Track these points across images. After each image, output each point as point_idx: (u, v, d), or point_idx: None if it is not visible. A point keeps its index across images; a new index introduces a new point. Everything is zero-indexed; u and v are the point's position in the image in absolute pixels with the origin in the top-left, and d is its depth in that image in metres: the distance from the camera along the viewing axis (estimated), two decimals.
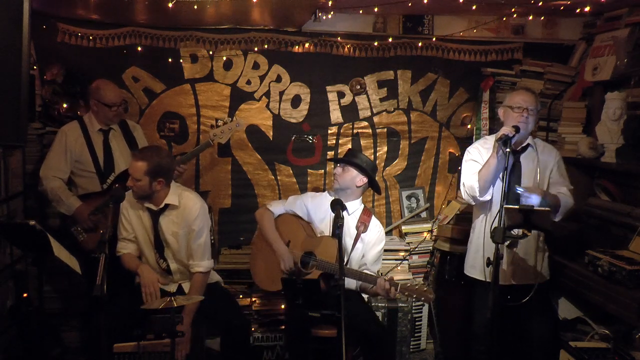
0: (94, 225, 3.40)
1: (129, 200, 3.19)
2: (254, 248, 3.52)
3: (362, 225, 3.34)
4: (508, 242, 3.02)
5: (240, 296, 3.86)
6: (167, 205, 3.13)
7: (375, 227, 3.42)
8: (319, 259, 3.21)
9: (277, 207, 3.44)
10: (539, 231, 3.09)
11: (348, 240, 3.30)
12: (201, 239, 3.17)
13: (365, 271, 3.27)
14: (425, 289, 2.99)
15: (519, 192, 2.95)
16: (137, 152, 3.09)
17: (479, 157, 3.17)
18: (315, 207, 3.40)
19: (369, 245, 3.38)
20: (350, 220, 3.34)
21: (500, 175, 2.81)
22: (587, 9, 3.41)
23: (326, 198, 3.41)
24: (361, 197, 3.42)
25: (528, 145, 3.14)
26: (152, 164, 3.01)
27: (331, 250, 3.19)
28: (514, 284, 3.11)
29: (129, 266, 3.19)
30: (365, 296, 3.54)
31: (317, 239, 3.30)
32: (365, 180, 3.35)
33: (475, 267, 3.25)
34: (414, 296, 3.01)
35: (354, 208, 3.37)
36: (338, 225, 2.80)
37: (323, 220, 3.38)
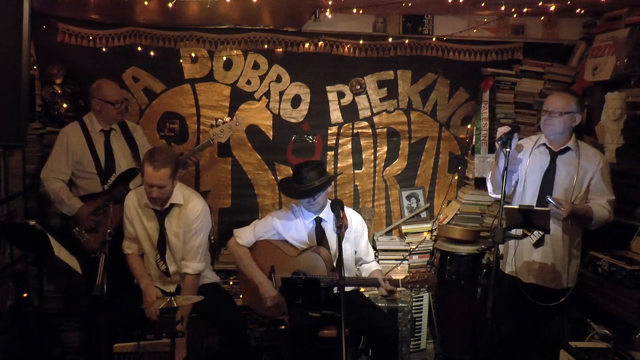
0: (95, 225, 3.40)
1: (132, 201, 3.19)
2: (242, 281, 3.43)
3: (342, 225, 3.31)
4: (535, 240, 3.02)
5: (240, 296, 3.86)
6: (171, 205, 3.14)
7: (354, 218, 3.40)
8: (309, 276, 3.19)
9: (247, 238, 3.35)
10: (573, 236, 3.05)
11: (332, 244, 3.28)
12: (196, 241, 3.17)
13: (365, 271, 3.29)
14: (426, 276, 3.02)
15: (548, 201, 2.88)
16: (155, 161, 2.94)
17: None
18: (285, 226, 3.34)
19: (357, 239, 3.38)
20: (329, 226, 3.31)
21: (502, 175, 2.80)
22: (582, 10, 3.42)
23: (294, 214, 3.34)
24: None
25: (568, 148, 3.04)
26: (173, 165, 3.01)
27: (317, 263, 3.18)
28: (537, 284, 3.05)
29: (135, 273, 3.21)
30: (366, 294, 3.54)
31: (300, 257, 3.27)
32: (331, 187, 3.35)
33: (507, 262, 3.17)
34: (417, 285, 3.03)
35: (328, 213, 3.30)
36: (338, 225, 2.80)
37: (297, 235, 3.32)
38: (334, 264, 3.20)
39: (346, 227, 3.28)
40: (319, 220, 3.32)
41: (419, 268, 4.11)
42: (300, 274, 3.21)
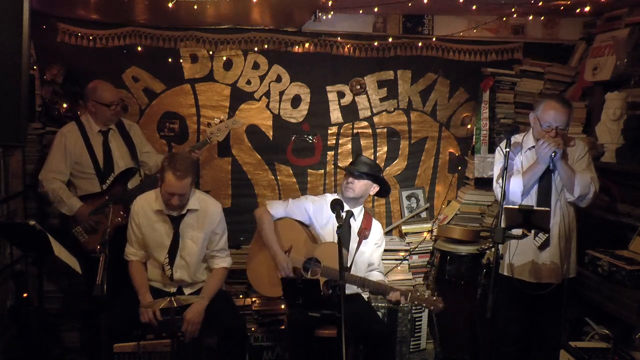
0: (95, 225, 3.40)
1: (142, 207, 3.17)
2: (252, 251, 3.46)
3: (365, 229, 3.34)
4: (539, 243, 3.03)
5: (240, 296, 3.87)
6: (187, 210, 3.15)
7: (377, 227, 3.44)
8: (322, 266, 3.20)
9: (278, 210, 3.38)
10: (570, 232, 3.06)
11: (352, 244, 3.29)
12: (222, 239, 3.28)
13: (375, 277, 3.31)
14: (434, 298, 3.00)
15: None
16: (178, 171, 2.94)
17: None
18: (317, 213, 3.36)
19: (375, 247, 3.40)
20: (354, 225, 3.33)
21: (502, 174, 2.80)
22: (587, 8, 3.41)
23: (328, 203, 3.30)
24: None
25: None
26: (194, 173, 3.06)
27: (335, 255, 3.18)
28: (539, 283, 3.06)
29: (135, 283, 3.16)
30: (365, 296, 3.55)
31: (320, 245, 3.28)
32: (377, 187, 3.37)
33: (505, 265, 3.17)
34: (424, 304, 3.03)
35: (358, 213, 3.37)
36: (338, 225, 2.80)
37: (326, 226, 3.34)
38: (348, 263, 3.22)
39: (365, 237, 3.33)
40: (349, 215, 3.31)
41: (419, 268, 4.13)
42: (313, 260, 3.23)
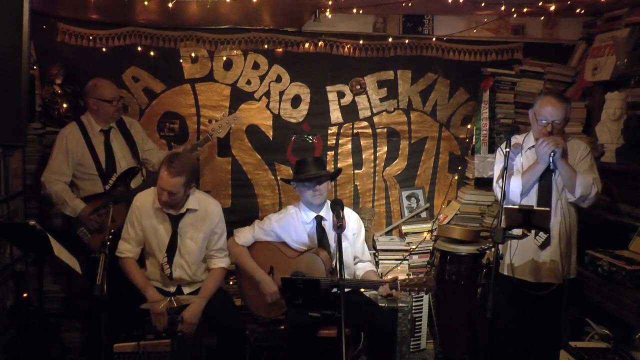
0: (99, 226, 3.40)
1: (143, 203, 3.18)
2: (241, 282, 3.43)
3: (342, 226, 3.32)
4: (540, 242, 3.03)
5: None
6: (187, 210, 3.15)
7: (351, 217, 3.41)
8: (308, 278, 3.19)
9: (246, 238, 3.36)
10: (570, 232, 3.06)
11: (333, 244, 3.26)
12: (221, 239, 3.28)
13: (361, 270, 3.30)
14: (425, 279, 3.01)
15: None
16: (172, 168, 2.97)
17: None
18: (284, 229, 3.35)
19: (354, 237, 3.39)
20: (328, 225, 3.32)
21: (502, 174, 2.80)
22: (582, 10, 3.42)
23: (292, 216, 3.36)
24: None
25: None
26: (188, 174, 3.02)
27: (316, 265, 3.18)
28: (540, 283, 3.06)
29: (137, 282, 3.14)
30: (366, 294, 3.55)
31: (299, 259, 3.27)
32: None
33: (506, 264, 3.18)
34: (416, 289, 3.03)
35: (326, 212, 3.33)
36: (338, 225, 2.80)
37: (298, 238, 3.33)
38: (333, 265, 3.19)
39: (344, 229, 3.28)
40: (319, 219, 3.32)
41: (419, 268, 4.13)
42: (299, 275, 3.21)
